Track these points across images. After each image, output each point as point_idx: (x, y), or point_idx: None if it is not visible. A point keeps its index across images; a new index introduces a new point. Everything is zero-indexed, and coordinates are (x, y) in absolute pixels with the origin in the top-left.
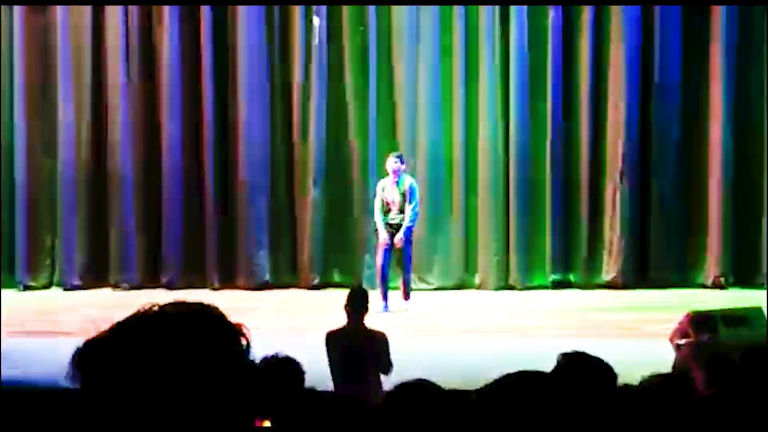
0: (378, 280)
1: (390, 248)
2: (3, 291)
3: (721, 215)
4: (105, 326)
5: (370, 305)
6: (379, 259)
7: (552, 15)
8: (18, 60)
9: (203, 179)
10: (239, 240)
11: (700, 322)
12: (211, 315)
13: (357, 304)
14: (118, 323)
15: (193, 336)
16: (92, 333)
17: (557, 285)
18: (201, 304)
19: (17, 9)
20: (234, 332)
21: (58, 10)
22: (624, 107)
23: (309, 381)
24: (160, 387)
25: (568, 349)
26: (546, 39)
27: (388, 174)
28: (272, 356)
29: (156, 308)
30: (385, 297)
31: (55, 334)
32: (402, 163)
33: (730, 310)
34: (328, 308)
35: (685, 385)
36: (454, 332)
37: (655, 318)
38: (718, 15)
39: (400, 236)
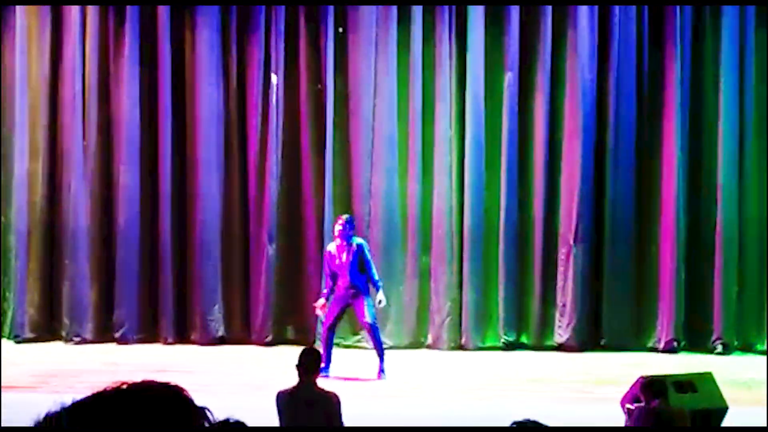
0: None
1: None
2: None
3: (674, 280)
4: (52, 381)
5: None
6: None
7: (508, 77)
8: None
9: (158, 234)
10: (193, 295)
11: (651, 387)
12: (178, 397)
13: (309, 364)
14: (85, 399)
15: (156, 416)
16: (38, 388)
17: (509, 346)
18: (168, 386)
19: None
20: (198, 414)
21: (17, 56)
22: (579, 171)
23: None
24: None
25: (520, 413)
26: (501, 102)
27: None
28: (223, 421)
29: (125, 386)
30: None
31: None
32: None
33: (680, 376)
34: (281, 365)
35: None
36: (407, 393)
37: (607, 381)
38: (672, 81)
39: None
